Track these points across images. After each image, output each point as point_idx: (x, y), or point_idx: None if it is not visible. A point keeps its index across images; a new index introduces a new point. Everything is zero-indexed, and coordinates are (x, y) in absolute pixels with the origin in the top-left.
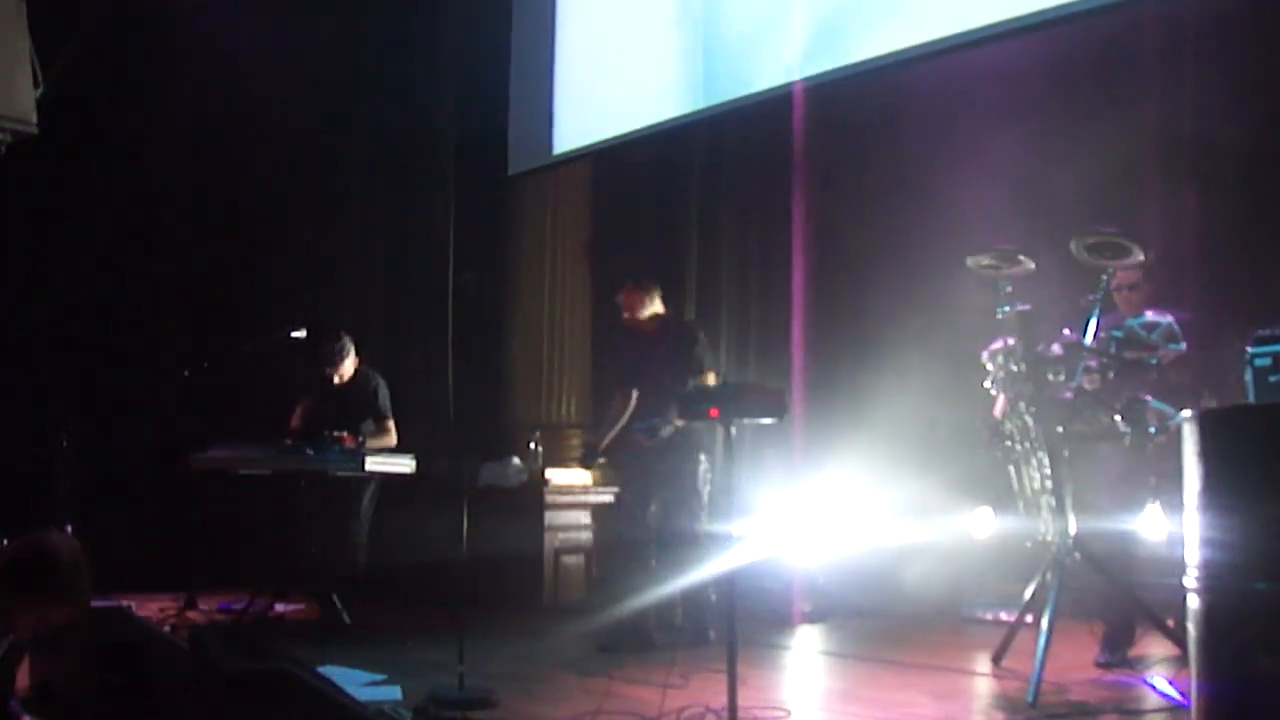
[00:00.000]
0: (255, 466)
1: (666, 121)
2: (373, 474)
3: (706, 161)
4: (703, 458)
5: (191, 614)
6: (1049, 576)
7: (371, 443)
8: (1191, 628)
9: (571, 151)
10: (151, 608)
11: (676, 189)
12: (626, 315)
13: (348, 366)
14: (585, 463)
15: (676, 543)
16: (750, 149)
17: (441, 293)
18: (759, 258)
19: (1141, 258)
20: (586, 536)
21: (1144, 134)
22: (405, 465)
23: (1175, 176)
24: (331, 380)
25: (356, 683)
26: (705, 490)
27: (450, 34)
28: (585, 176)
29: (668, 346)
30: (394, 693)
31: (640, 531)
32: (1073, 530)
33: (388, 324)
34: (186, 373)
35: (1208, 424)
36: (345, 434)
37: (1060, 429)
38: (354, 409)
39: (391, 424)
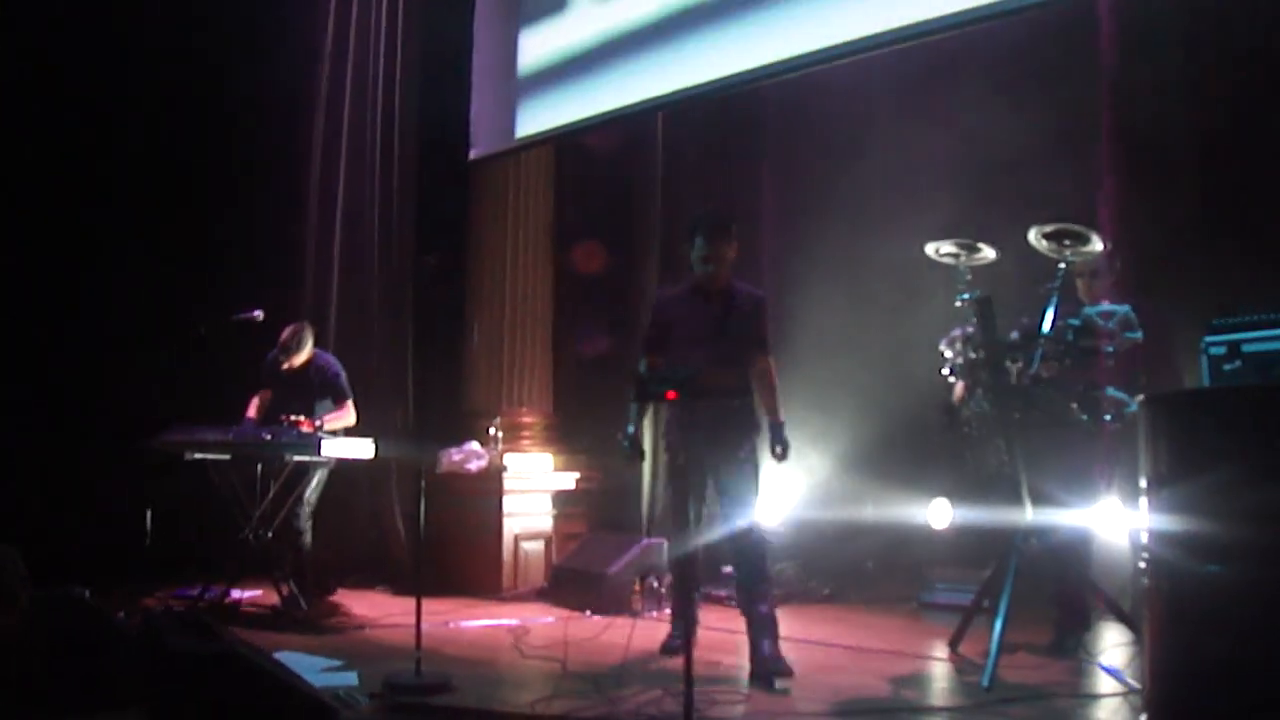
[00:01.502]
0: (211, 450)
1: (628, 106)
2: (330, 458)
3: (669, 147)
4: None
5: (147, 600)
6: (1005, 562)
7: (331, 422)
8: (1145, 611)
9: (533, 136)
10: (106, 593)
11: (639, 174)
12: (711, 266)
13: (303, 356)
14: (631, 457)
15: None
16: (714, 134)
17: (402, 277)
18: None
19: (1100, 246)
20: (546, 522)
21: (1100, 124)
22: (363, 450)
23: (1132, 165)
24: (288, 364)
25: (313, 668)
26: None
27: (415, 16)
28: (547, 160)
29: (739, 312)
30: (350, 678)
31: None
32: (1029, 516)
33: (348, 307)
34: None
35: (1157, 408)
36: (302, 418)
37: (1017, 416)
38: (311, 392)
39: (350, 403)
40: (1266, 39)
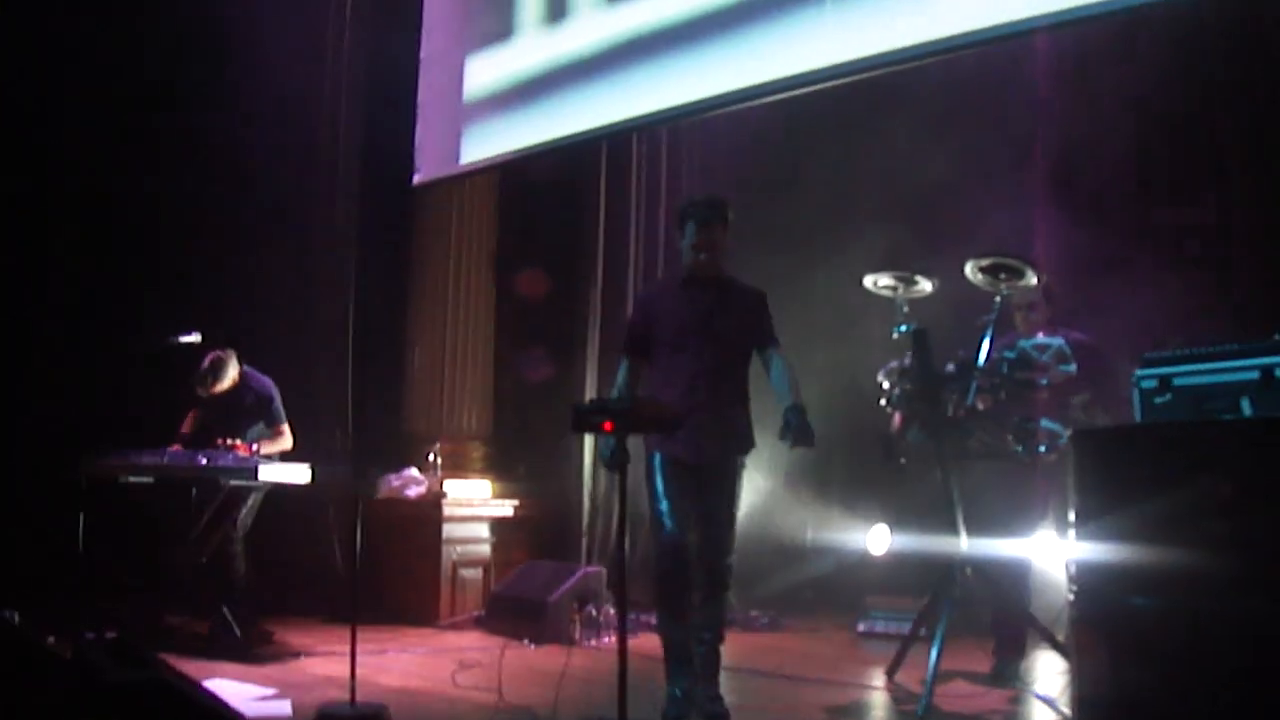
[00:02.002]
0: (146, 474)
1: (573, 135)
2: (265, 483)
3: (613, 174)
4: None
5: (78, 625)
6: (942, 592)
7: (267, 448)
8: (1073, 641)
9: (478, 162)
10: (37, 617)
11: (583, 201)
12: (703, 254)
13: (223, 385)
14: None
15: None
16: (657, 166)
17: (344, 300)
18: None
19: (1035, 280)
20: (485, 550)
21: (1035, 160)
22: (300, 475)
23: (1068, 198)
24: (211, 391)
25: (246, 697)
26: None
27: (362, 40)
28: (492, 186)
29: (735, 306)
30: (284, 708)
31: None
32: (965, 546)
33: (288, 329)
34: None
35: (1086, 444)
36: (238, 442)
37: (953, 448)
38: (241, 414)
39: (286, 428)
40: (1198, 73)
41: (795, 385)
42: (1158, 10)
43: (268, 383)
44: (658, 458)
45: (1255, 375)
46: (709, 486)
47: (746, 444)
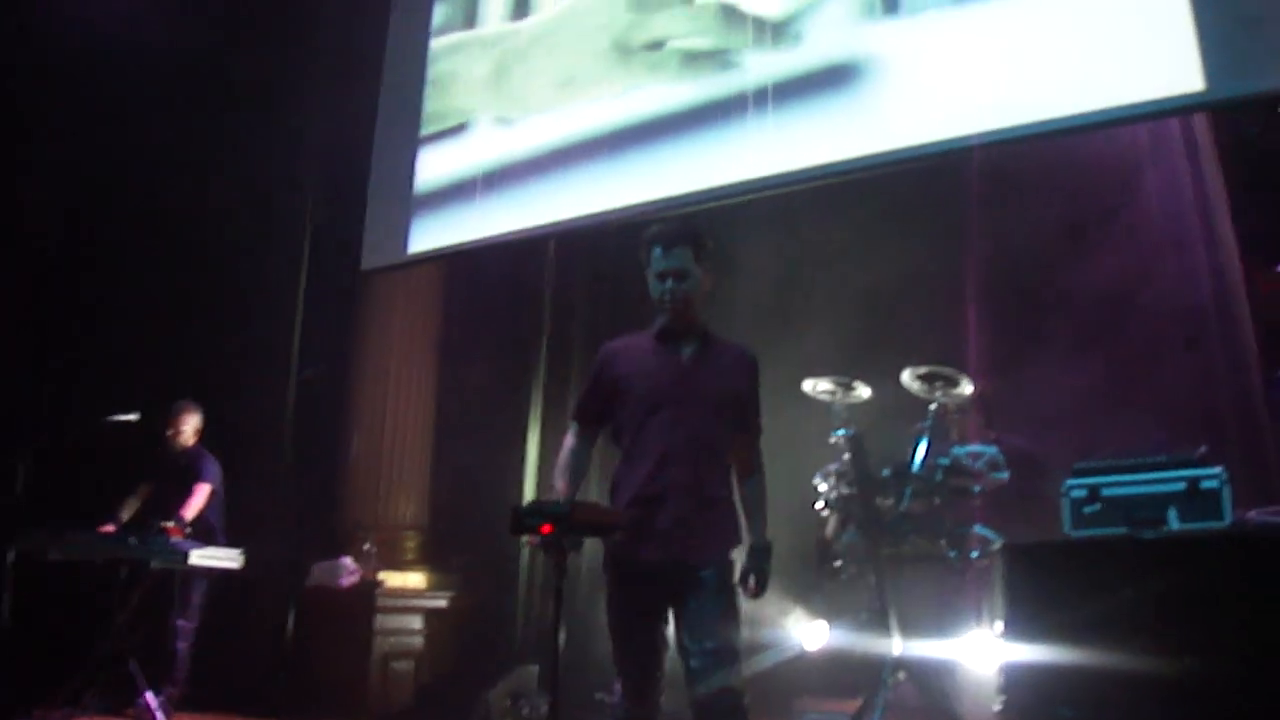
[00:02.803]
0: (76, 554)
1: (521, 231)
2: (195, 568)
3: (560, 270)
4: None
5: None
6: (874, 695)
7: (189, 510)
8: None
9: (425, 253)
10: None
11: (529, 296)
12: (671, 284)
13: (188, 432)
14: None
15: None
16: (603, 260)
17: (285, 383)
18: None
19: (970, 389)
20: (418, 642)
21: (970, 268)
22: (232, 560)
23: (1003, 307)
24: (169, 447)
25: None
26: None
27: (318, 122)
28: (438, 276)
29: (718, 367)
30: None
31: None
32: (898, 650)
33: (227, 410)
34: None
35: (1014, 557)
36: (173, 525)
37: (888, 550)
38: (184, 489)
39: (206, 489)
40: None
41: (765, 509)
42: (1089, 130)
43: (211, 458)
44: (612, 563)
45: (1182, 487)
46: (689, 596)
47: (733, 537)
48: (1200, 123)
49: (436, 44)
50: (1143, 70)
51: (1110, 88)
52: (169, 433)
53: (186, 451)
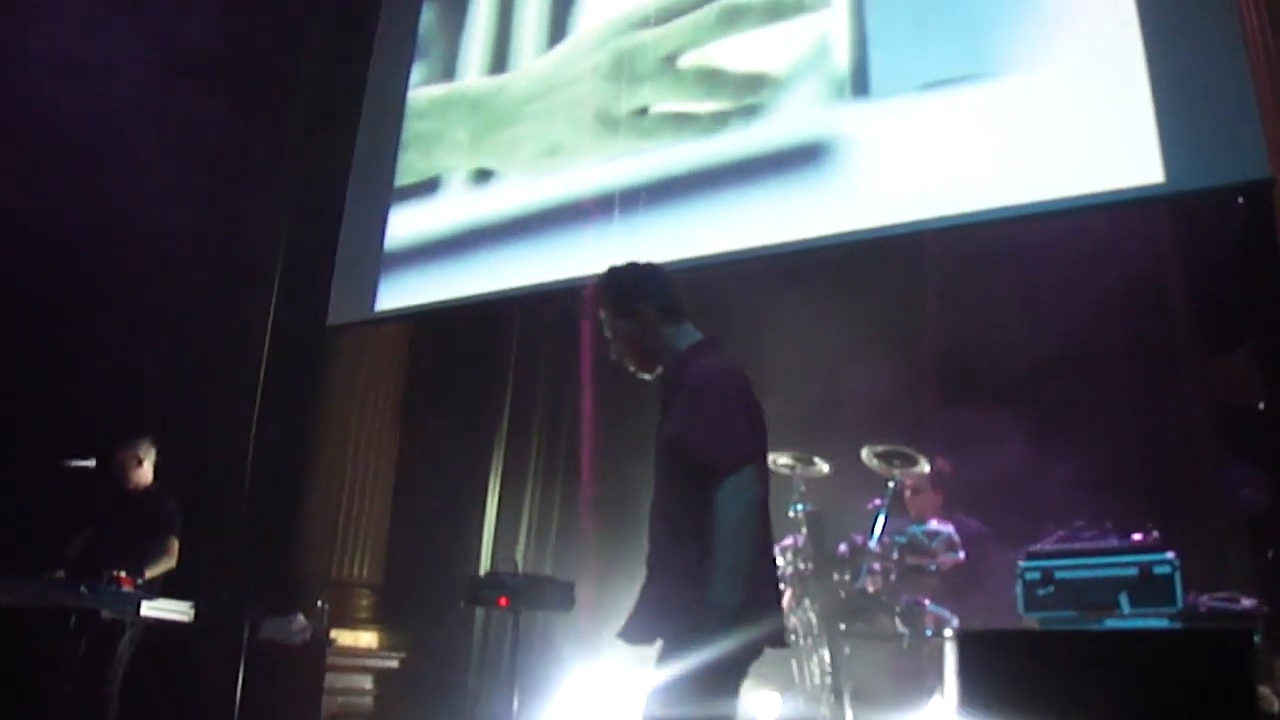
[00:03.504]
0: (20, 601)
1: (488, 294)
2: (146, 618)
3: (525, 334)
4: None
5: None
6: None
7: (152, 570)
8: None
9: (391, 311)
10: None
11: (494, 360)
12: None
13: (145, 470)
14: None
15: None
16: (570, 326)
17: (245, 436)
18: (567, 443)
19: (927, 468)
20: (368, 702)
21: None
22: (183, 612)
23: (961, 388)
24: (122, 485)
25: None
26: None
27: (291, 174)
28: (405, 334)
29: (669, 415)
30: None
31: None
32: None
33: (185, 460)
34: None
35: (966, 645)
36: (124, 574)
37: (842, 626)
38: (141, 531)
39: (175, 544)
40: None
41: (716, 568)
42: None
43: (170, 499)
44: None
45: (1134, 572)
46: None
47: (673, 620)
48: (1160, 209)
49: (414, 100)
50: (1104, 161)
51: (1072, 177)
52: (125, 469)
53: (145, 491)
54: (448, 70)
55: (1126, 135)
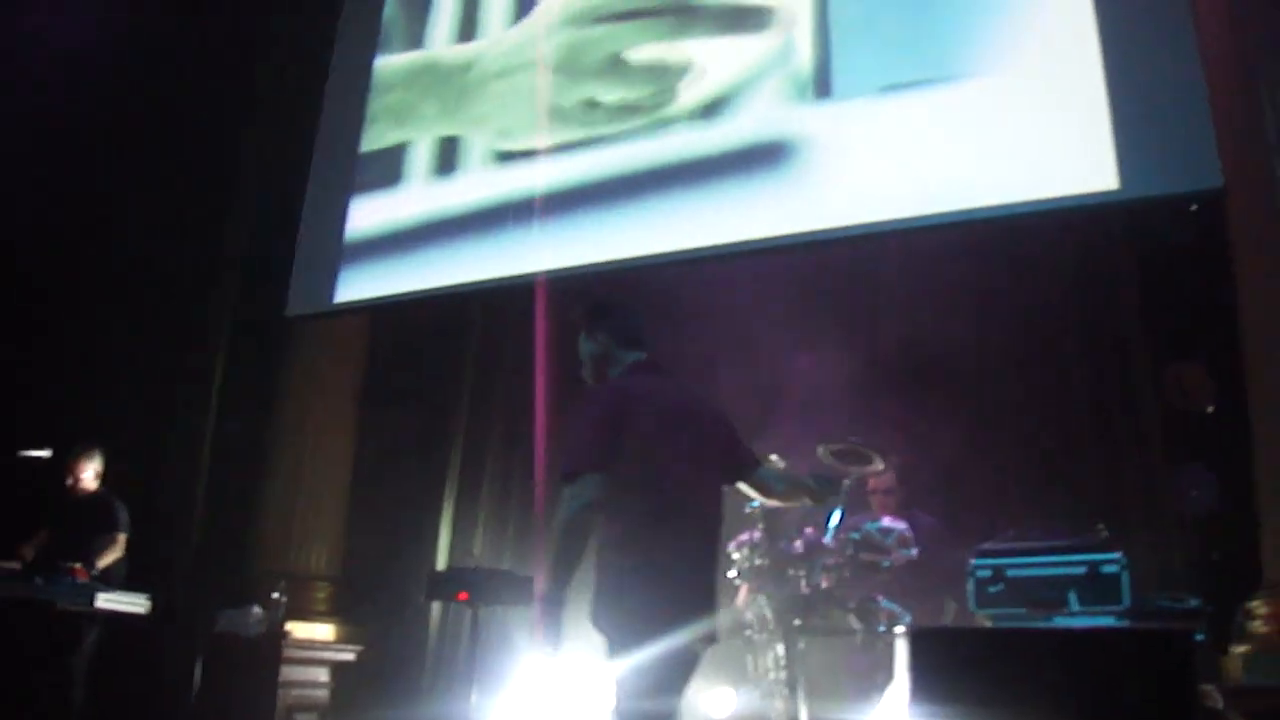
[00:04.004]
0: None
1: (449, 287)
2: (100, 610)
3: (486, 328)
4: None
5: None
6: None
7: (102, 560)
8: None
9: (352, 303)
10: None
11: (452, 353)
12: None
13: (88, 478)
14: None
15: None
16: (526, 327)
17: (202, 425)
18: (524, 437)
19: (881, 466)
20: (323, 694)
21: (889, 349)
22: (139, 605)
23: (919, 390)
24: (71, 493)
25: None
26: None
27: (251, 163)
28: (364, 327)
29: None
30: None
31: None
32: (804, 718)
33: (142, 450)
34: None
35: (918, 641)
36: (79, 566)
37: (797, 622)
38: (91, 532)
39: (122, 538)
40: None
41: (548, 559)
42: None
43: (118, 500)
44: None
45: (1083, 570)
46: None
47: (594, 614)
48: (1115, 215)
49: (381, 73)
50: (1060, 166)
51: (1028, 181)
52: (69, 479)
53: (91, 496)
54: (414, 40)
55: (1083, 141)
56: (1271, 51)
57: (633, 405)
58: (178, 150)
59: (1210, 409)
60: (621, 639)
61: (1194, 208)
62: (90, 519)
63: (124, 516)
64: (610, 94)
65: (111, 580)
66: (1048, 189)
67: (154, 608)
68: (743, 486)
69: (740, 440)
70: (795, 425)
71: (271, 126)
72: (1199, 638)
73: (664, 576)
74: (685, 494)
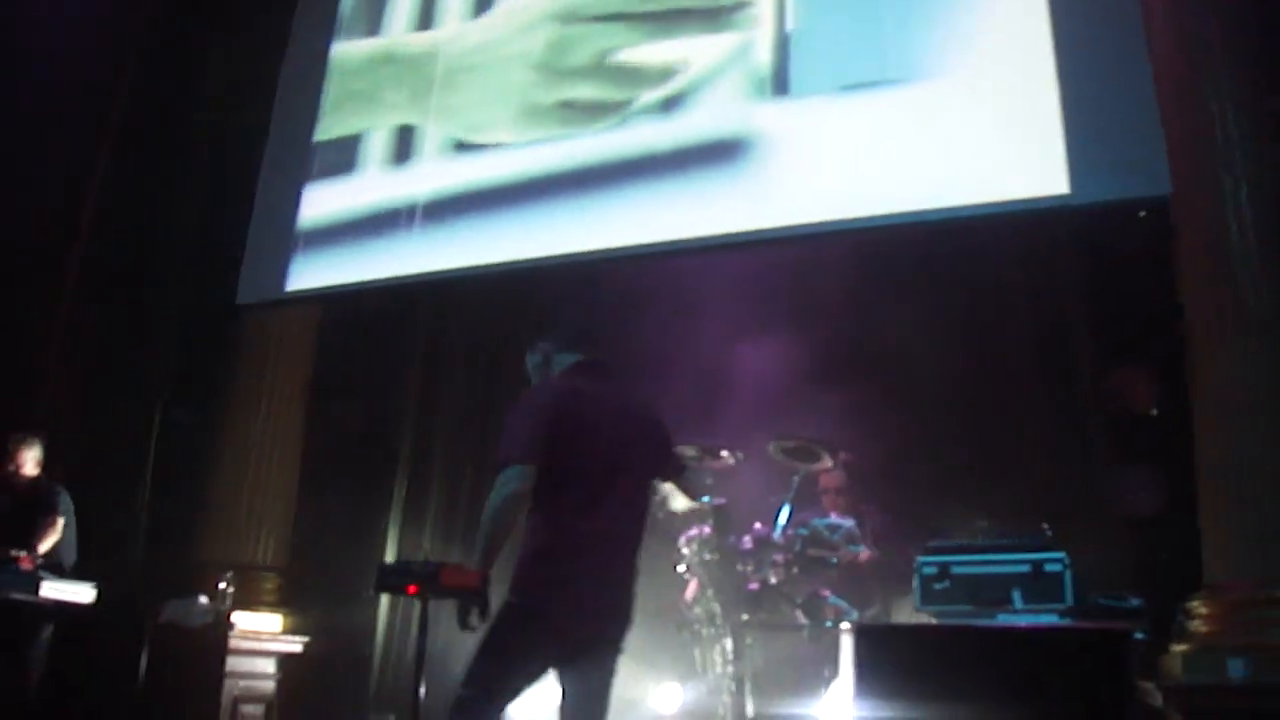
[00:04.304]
0: None
1: (400, 278)
2: (48, 600)
3: (435, 320)
4: None
5: None
6: None
7: (43, 544)
8: None
9: (303, 291)
10: None
11: (403, 347)
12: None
13: (28, 466)
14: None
15: None
16: (477, 313)
17: (150, 412)
18: (476, 430)
19: (830, 463)
20: (270, 686)
21: (839, 346)
22: (85, 594)
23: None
24: (11, 480)
25: None
26: None
27: (203, 146)
28: (315, 316)
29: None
30: None
31: None
32: (750, 713)
33: (87, 438)
34: None
35: (863, 637)
36: (24, 555)
37: (745, 617)
38: (32, 519)
39: (61, 522)
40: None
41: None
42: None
43: (62, 489)
44: None
45: (1027, 569)
46: None
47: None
48: (1065, 219)
49: (339, 59)
50: (1012, 169)
51: (980, 184)
52: (10, 466)
53: (32, 483)
54: (372, 27)
55: (1035, 145)
56: (1221, 63)
57: (566, 401)
58: (126, 136)
59: (1153, 412)
60: (510, 625)
61: (1142, 214)
62: (31, 505)
63: (65, 501)
64: (586, 93)
65: (57, 569)
66: (999, 192)
67: (100, 597)
68: (669, 488)
69: (672, 443)
70: (744, 419)
71: (223, 112)
72: (1139, 636)
73: (571, 577)
74: (607, 489)
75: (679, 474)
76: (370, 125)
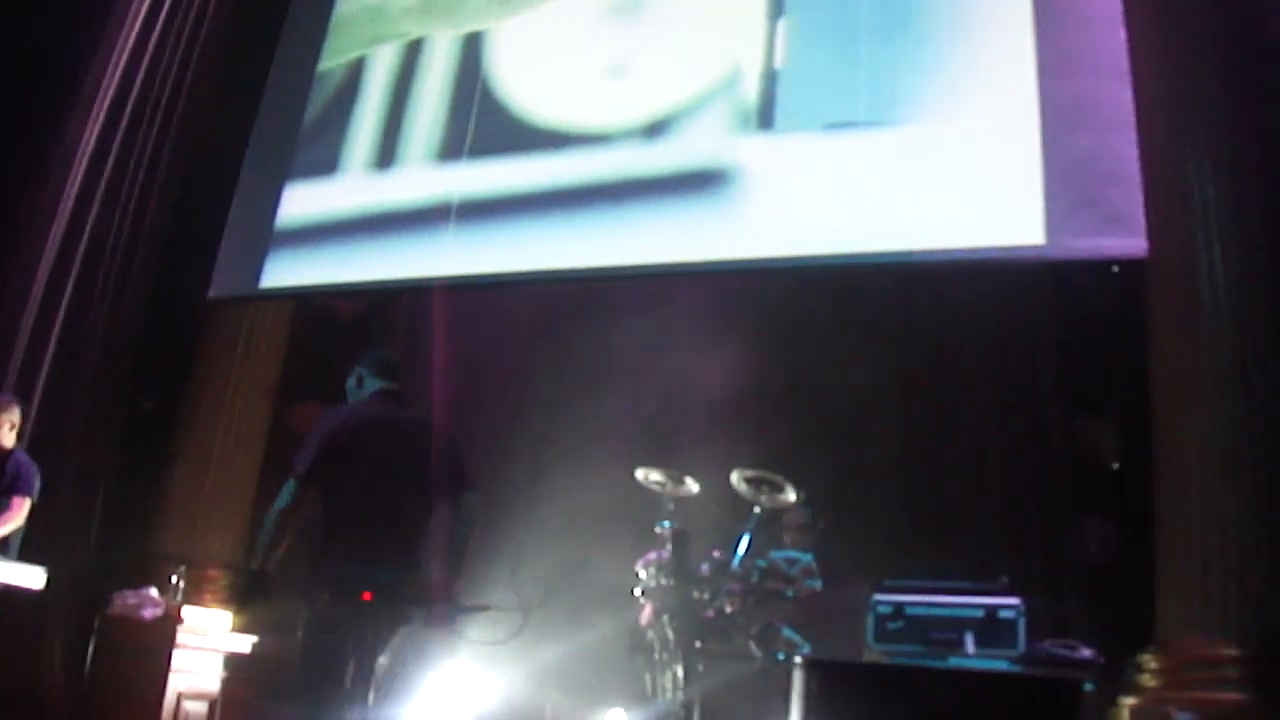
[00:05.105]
0: None
1: (376, 282)
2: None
3: (411, 326)
4: None
5: None
6: None
7: (5, 526)
8: None
9: (276, 289)
10: None
11: (371, 346)
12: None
13: (5, 432)
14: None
15: None
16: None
17: (113, 401)
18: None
19: (794, 497)
20: (214, 684)
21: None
22: (34, 579)
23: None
24: None
25: None
26: None
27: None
28: (286, 316)
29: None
30: None
31: None
32: None
33: (48, 423)
34: None
35: (812, 673)
36: None
37: (698, 644)
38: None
39: (28, 505)
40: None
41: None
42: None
43: (30, 461)
44: None
45: (980, 614)
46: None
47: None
48: (1039, 271)
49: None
50: (989, 217)
51: (957, 229)
52: None
53: (6, 454)
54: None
55: (1013, 196)
56: (1203, 124)
57: (351, 424)
58: (108, 122)
59: (1115, 465)
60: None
61: (1115, 269)
62: (1, 478)
63: (36, 483)
64: None
65: (6, 551)
66: (976, 238)
67: (50, 583)
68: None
69: (459, 467)
70: (706, 448)
71: (201, 106)
72: (1088, 687)
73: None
74: (378, 503)
75: (459, 492)
76: (379, 35)
